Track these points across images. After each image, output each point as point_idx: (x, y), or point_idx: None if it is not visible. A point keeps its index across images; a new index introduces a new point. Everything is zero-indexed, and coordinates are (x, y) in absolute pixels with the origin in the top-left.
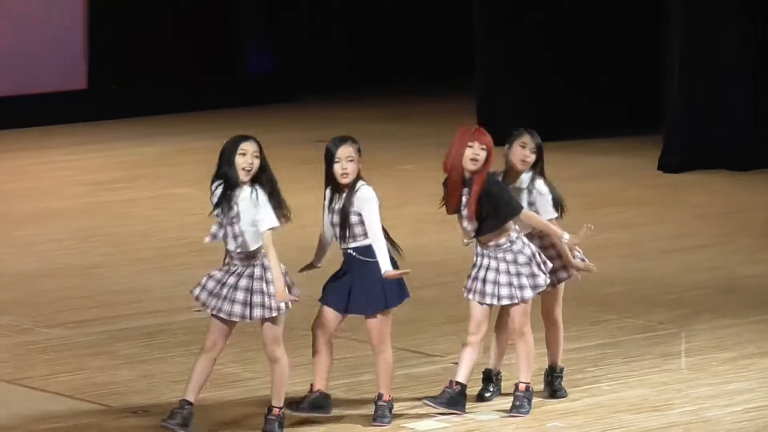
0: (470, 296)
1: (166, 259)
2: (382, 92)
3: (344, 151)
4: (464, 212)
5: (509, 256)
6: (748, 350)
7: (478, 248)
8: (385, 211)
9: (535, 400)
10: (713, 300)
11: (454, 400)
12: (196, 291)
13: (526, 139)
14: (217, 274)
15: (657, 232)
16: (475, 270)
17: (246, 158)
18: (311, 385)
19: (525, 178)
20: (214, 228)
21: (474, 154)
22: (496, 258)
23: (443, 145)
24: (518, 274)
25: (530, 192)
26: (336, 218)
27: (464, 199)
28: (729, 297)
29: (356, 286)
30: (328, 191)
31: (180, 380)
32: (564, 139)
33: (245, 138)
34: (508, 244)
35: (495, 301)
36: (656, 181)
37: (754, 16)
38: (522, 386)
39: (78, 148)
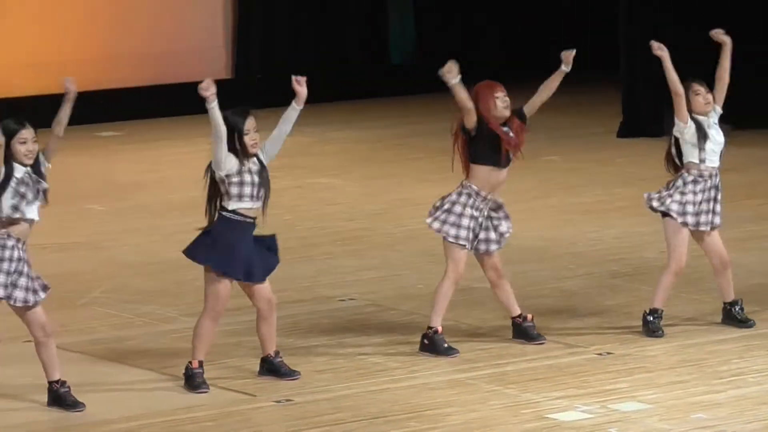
0: None
1: (309, 249)
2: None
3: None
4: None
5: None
6: None
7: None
8: (528, 202)
9: (664, 391)
10: None
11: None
12: None
13: (696, 87)
14: None
15: None
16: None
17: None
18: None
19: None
20: None
21: (504, 101)
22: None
23: (587, 136)
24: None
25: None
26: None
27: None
28: None
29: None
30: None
31: (324, 369)
32: None
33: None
34: None
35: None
36: None
37: None
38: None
39: None
